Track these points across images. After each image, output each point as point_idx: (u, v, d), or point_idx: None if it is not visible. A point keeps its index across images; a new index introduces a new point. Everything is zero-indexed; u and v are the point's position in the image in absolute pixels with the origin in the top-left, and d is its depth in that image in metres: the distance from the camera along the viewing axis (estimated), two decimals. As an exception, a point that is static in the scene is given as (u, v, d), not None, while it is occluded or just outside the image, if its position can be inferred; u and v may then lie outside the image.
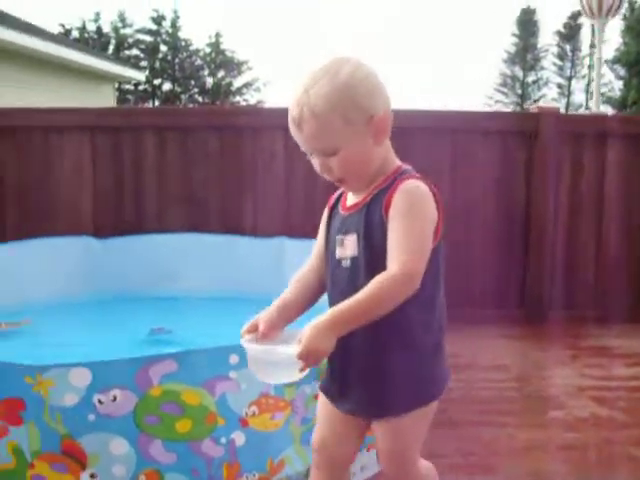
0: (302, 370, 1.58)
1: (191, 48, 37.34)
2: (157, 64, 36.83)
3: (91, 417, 2.11)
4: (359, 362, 1.69)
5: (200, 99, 35.54)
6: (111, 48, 36.57)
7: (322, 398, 1.82)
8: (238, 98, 35.19)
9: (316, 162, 1.68)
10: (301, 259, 1.89)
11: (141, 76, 22.75)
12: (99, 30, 37.58)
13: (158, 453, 2.18)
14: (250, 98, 35.39)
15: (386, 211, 1.61)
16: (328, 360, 1.72)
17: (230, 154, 4.59)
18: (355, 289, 1.59)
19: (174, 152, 4.58)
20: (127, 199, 4.58)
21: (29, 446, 2.12)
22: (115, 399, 2.12)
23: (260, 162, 4.59)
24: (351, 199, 1.73)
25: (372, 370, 1.67)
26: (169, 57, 37.23)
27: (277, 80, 74.42)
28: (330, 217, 1.78)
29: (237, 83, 35.84)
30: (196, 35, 68.40)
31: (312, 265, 1.81)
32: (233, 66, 36.06)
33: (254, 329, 1.71)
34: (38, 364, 2.09)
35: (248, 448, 2.27)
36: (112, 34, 37.54)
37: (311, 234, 1.93)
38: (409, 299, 1.56)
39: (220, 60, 36.37)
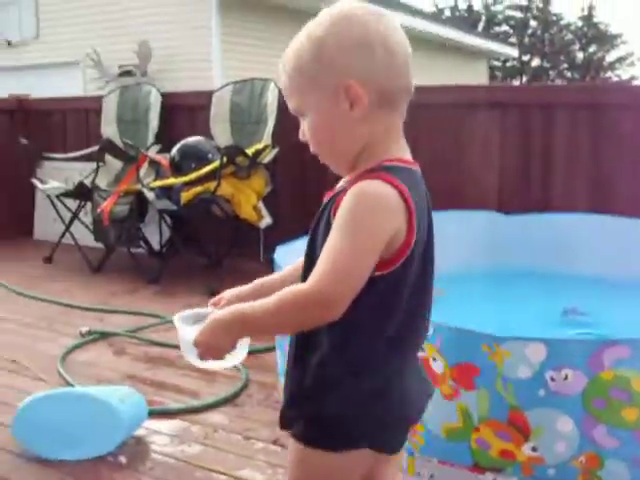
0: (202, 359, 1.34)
1: (562, 22, 36.22)
2: (526, 40, 36.28)
3: (541, 392, 2.13)
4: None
5: (569, 75, 34.32)
6: (481, 26, 36.76)
7: None
8: (609, 73, 33.37)
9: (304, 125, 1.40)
10: None
11: (514, 52, 22.58)
12: (470, 8, 37.97)
13: (601, 437, 2.14)
14: (623, 74, 33.37)
15: (334, 215, 1.28)
16: None
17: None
18: None
19: (584, 131, 4.45)
20: (534, 176, 4.56)
21: (477, 411, 2.21)
22: (566, 378, 2.12)
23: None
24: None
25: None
26: (538, 32, 36.39)
27: (653, 55, 69.13)
28: None
29: (609, 58, 33.97)
30: (568, 9, 65.88)
31: None
32: (606, 40, 34.23)
33: (217, 303, 1.49)
34: (497, 334, 2.16)
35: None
36: (482, 11, 37.69)
37: None
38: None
39: (592, 34, 34.73)
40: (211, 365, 1.38)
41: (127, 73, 9.88)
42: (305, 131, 1.37)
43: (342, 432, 1.32)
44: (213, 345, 1.29)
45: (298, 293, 1.23)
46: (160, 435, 2.73)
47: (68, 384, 3.16)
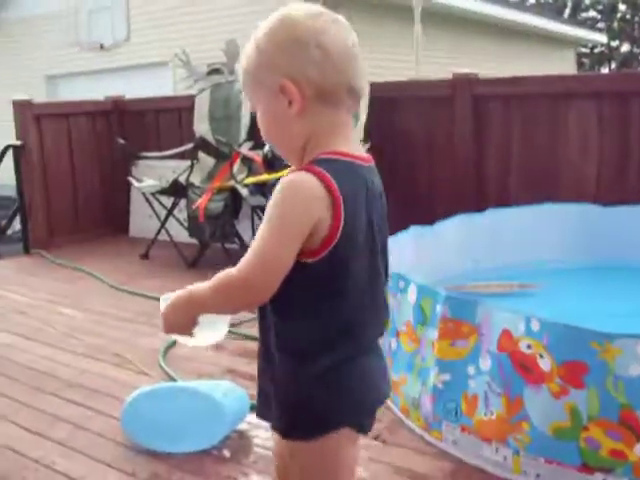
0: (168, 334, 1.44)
1: (653, 6, 35.03)
2: (615, 25, 35.18)
3: (661, 393, 2.08)
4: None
5: (661, 61, 33.09)
6: (567, 12, 35.83)
7: None
8: None
9: None
10: None
11: (602, 38, 21.93)
12: (555, -7, 37.13)
13: None
14: None
15: None
16: None
17: None
18: None
19: None
20: (632, 167, 4.43)
21: (587, 409, 2.16)
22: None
23: None
24: None
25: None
26: (628, 16, 35.21)
27: None
28: None
29: None
30: (658, -9, 63.70)
31: None
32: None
33: None
34: (607, 332, 2.11)
35: None
36: (569, -3, 36.78)
37: None
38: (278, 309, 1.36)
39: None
40: (193, 342, 1.45)
41: (215, 71, 10.00)
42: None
43: (314, 417, 1.38)
44: (170, 321, 1.40)
45: (229, 278, 1.32)
46: (262, 429, 2.76)
47: (171, 378, 3.24)
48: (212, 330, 1.46)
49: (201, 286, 1.36)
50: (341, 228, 1.30)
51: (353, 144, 1.42)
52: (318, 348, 1.36)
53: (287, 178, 1.31)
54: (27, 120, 6.23)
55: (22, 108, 6.27)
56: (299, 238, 1.29)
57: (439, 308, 2.48)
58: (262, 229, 1.30)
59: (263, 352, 1.44)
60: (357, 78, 1.40)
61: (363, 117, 4.85)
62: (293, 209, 1.30)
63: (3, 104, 11.14)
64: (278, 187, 1.31)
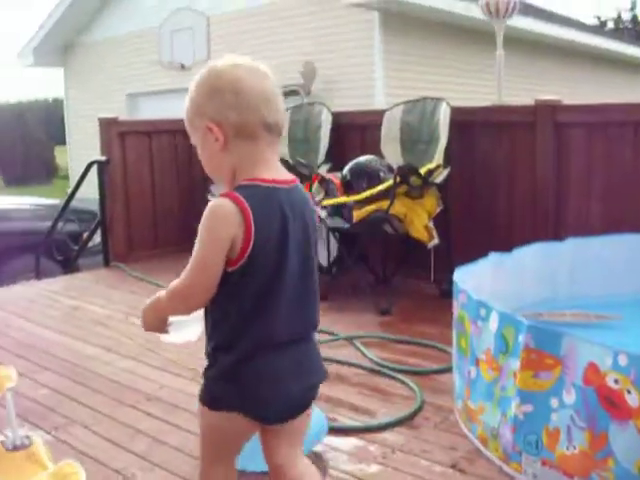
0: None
1: None
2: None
3: None
4: None
5: None
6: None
7: None
8: None
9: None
10: None
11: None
12: (634, 18, 36.38)
13: None
14: None
15: None
16: None
17: None
18: None
19: None
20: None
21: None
22: None
23: None
24: None
25: None
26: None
27: None
28: None
29: None
30: None
31: None
32: None
33: None
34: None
35: None
36: (649, 21, 36.00)
37: None
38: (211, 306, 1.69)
39: None
40: (169, 339, 1.80)
41: (292, 92, 10.15)
42: None
43: (211, 396, 1.74)
44: (146, 321, 1.77)
45: (176, 285, 1.67)
46: (338, 452, 2.77)
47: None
48: (186, 329, 1.77)
49: (164, 291, 1.71)
50: (252, 241, 1.60)
51: (276, 170, 1.71)
52: (227, 344, 1.69)
53: (212, 203, 1.63)
54: (112, 137, 6.42)
55: (107, 125, 6.45)
56: (220, 252, 1.61)
57: (521, 338, 2.45)
58: (195, 246, 1.64)
59: (206, 341, 1.75)
60: (272, 115, 1.67)
61: (443, 141, 4.85)
62: (212, 228, 1.62)
63: (88, 120, 11.42)
64: (206, 210, 1.62)
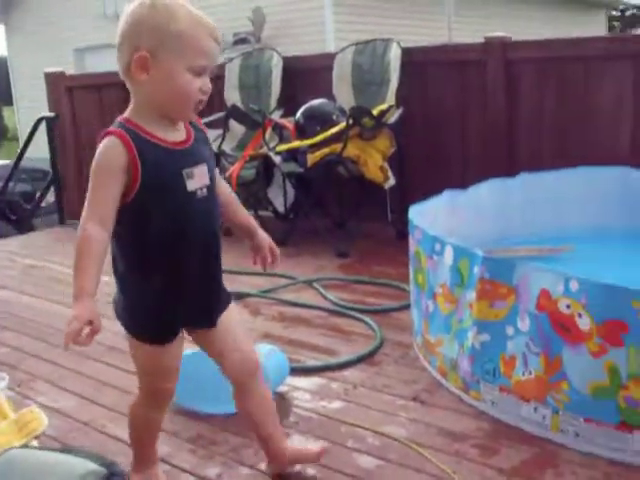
0: None
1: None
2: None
3: None
4: None
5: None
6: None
7: None
8: None
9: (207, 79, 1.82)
10: None
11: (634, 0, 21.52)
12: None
13: None
14: None
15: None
16: None
17: None
18: (213, 217, 1.89)
19: None
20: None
21: (626, 368, 2.17)
22: None
23: None
24: (170, 135, 1.83)
25: None
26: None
27: None
28: (155, 154, 1.78)
29: None
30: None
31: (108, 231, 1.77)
32: None
33: None
34: (644, 290, 2.12)
35: None
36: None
37: None
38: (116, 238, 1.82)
39: None
40: None
41: (242, 41, 10.02)
42: None
43: (125, 324, 1.94)
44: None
45: (77, 240, 1.75)
46: (301, 391, 2.81)
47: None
48: None
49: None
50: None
51: None
52: (126, 275, 1.86)
53: None
54: (59, 92, 6.29)
55: (55, 80, 6.32)
56: (128, 182, 1.75)
57: (476, 269, 2.50)
58: None
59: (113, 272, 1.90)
60: None
61: (395, 82, 4.83)
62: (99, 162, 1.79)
63: (33, 78, 11.10)
64: None
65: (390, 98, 4.83)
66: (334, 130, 4.58)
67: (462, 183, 3.86)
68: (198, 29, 1.74)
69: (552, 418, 2.34)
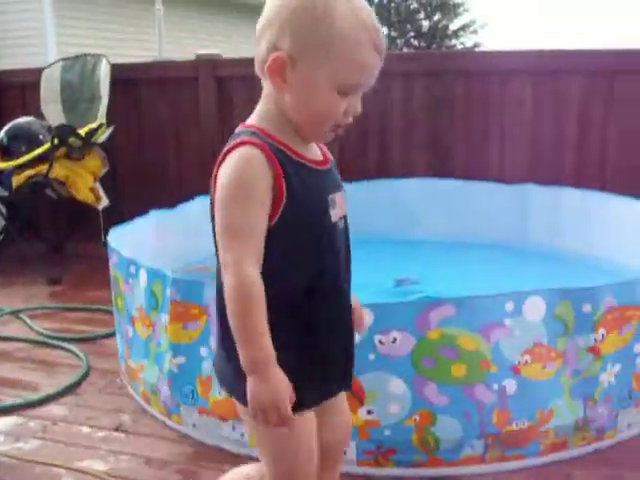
0: None
1: (406, -9, 36.99)
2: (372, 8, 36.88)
3: (371, 357, 2.18)
4: None
5: (416, 43, 35.04)
6: None
7: None
8: (454, 41, 34.26)
9: (357, 100, 1.40)
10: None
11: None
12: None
13: (432, 395, 2.22)
14: (467, 41, 34.32)
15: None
16: None
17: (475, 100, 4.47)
18: (349, 251, 1.52)
19: (420, 96, 4.53)
20: (372, 143, 4.63)
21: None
22: (395, 341, 2.18)
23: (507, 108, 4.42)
24: (309, 153, 1.43)
25: None
26: (384, 1, 37.02)
27: (494, 22, 71.93)
28: (301, 175, 1.37)
29: (453, 26, 34.81)
30: (409, -23, 67.18)
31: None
32: (449, 8, 35.15)
33: None
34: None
35: (519, 396, 2.25)
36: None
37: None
38: None
39: (436, 3, 35.60)
40: None
41: None
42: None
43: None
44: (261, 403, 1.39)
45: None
46: (-4, 433, 2.61)
47: None
48: None
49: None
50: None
51: None
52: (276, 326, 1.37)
53: None
54: None
55: None
56: None
57: (168, 291, 2.45)
58: None
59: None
60: None
61: (105, 99, 4.70)
62: None
63: None
64: None
65: (101, 116, 4.69)
66: (39, 150, 4.37)
67: (179, 201, 3.83)
68: (359, 36, 1.32)
69: (250, 435, 2.35)
